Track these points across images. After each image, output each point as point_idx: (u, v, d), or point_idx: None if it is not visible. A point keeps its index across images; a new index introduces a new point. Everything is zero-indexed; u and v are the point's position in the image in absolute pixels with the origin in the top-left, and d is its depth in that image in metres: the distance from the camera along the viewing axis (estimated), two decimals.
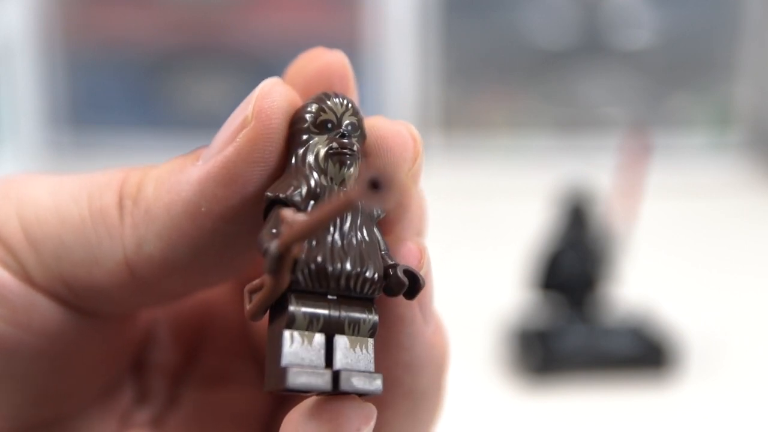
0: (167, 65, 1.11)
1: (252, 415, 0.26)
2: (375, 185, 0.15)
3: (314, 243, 0.20)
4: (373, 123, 0.22)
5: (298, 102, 0.22)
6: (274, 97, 0.21)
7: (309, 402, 0.20)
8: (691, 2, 1.13)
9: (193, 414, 0.26)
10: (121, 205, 0.22)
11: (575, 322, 0.64)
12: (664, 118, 1.14)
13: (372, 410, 0.20)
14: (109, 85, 1.11)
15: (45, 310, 0.22)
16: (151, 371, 0.26)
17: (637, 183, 0.66)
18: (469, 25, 1.13)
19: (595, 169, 0.84)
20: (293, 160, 0.21)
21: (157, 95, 1.11)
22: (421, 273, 0.21)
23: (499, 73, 1.15)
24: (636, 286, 0.70)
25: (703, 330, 0.68)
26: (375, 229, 0.21)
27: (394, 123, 0.22)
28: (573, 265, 0.64)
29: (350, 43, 1.10)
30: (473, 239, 0.91)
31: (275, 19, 1.09)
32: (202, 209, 0.21)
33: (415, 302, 0.22)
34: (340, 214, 0.18)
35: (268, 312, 0.20)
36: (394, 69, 1.10)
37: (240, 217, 0.21)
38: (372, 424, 0.20)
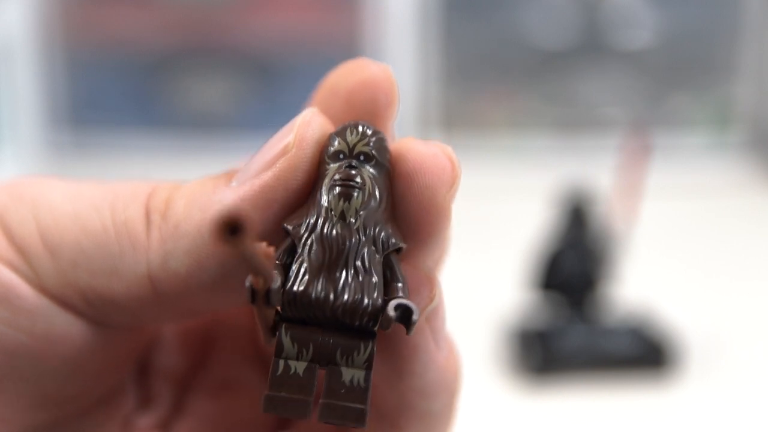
0: (167, 65, 1.11)
1: (259, 424, 0.26)
2: (231, 229, 0.16)
3: (305, 271, 0.20)
4: (407, 145, 0.22)
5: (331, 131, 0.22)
6: (314, 126, 0.21)
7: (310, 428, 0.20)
8: (691, 2, 1.13)
9: (200, 421, 0.25)
10: (148, 218, 0.22)
11: (575, 322, 0.64)
12: (664, 118, 1.14)
13: None
14: (109, 85, 1.11)
15: (52, 316, 0.22)
16: (156, 376, 0.26)
17: (637, 183, 0.66)
18: (469, 25, 1.13)
19: (595, 169, 0.84)
20: (313, 191, 0.21)
21: (157, 95, 1.11)
22: (432, 305, 0.21)
23: (499, 73, 1.15)
24: (636, 286, 0.70)
25: (703, 330, 0.68)
26: (386, 259, 0.21)
27: (429, 145, 0.22)
28: (573, 265, 0.64)
29: (350, 43, 1.10)
30: (473, 239, 0.91)
31: (275, 19, 1.09)
32: None
33: (427, 329, 0.22)
34: (242, 257, 0.18)
35: None
36: (394, 69, 1.10)
37: (271, 240, 0.21)
38: None
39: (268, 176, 0.21)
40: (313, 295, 0.20)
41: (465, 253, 0.89)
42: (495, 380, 0.63)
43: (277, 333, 0.20)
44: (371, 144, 0.21)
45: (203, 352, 0.26)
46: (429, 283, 0.22)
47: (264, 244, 0.19)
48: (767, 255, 0.89)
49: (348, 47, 1.09)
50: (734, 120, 1.15)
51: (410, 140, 0.22)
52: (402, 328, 0.20)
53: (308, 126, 0.21)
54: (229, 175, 0.22)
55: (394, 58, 1.10)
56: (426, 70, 1.12)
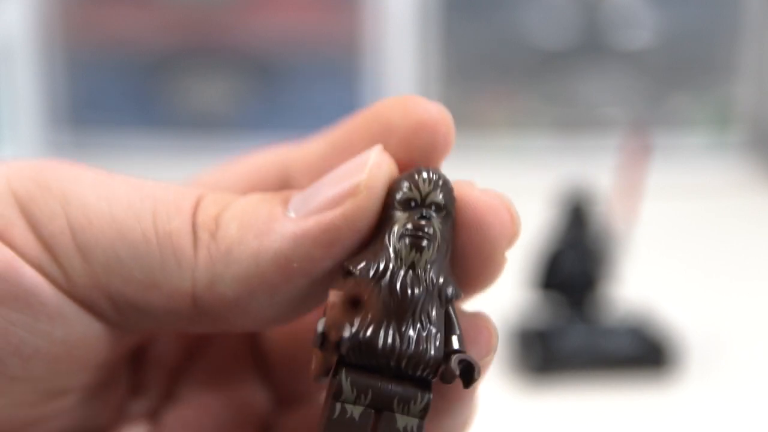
0: (167, 65, 1.11)
1: (251, 416, 0.26)
2: (351, 303, 0.17)
3: (371, 320, 0.20)
4: (466, 193, 0.21)
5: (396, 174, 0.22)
6: (384, 169, 0.21)
7: None
8: (691, 2, 1.13)
9: (191, 411, 0.25)
10: (195, 235, 0.21)
11: (575, 322, 0.64)
12: (664, 118, 1.14)
13: None
14: (109, 85, 1.11)
15: (74, 321, 0.21)
16: (149, 365, 0.25)
17: (637, 183, 0.66)
18: (469, 25, 1.13)
19: (595, 169, 0.84)
20: (378, 234, 0.21)
21: (157, 95, 1.11)
22: (490, 357, 0.21)
23: (499, 73, 1.15)
24: (636, 286, 0.70)
25: (703, 330, 0.68)
26: (448, 310, 0.21)
27: (488, 195, 0.21)
28: (573, 265, 0.64)
29: (350, 43, 1.10)
30: None
31: (275, 19, 1.09)
32: (294, 265, 0.20)
33: (473, 393, 0.22)
34: (341, 320, 0.18)
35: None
36: (394, 69, 1.10)
37: (328, 277, 0.21)
38: None
39: (334, 215, 0.21)
40: (380, 344, 0.20)
41: None
42: (495, 380, 0.63)
43: (338, 377, 0.20)
44: (443, 194, 0.21)
45: (198, 342, 0.26)
46: (488, 333, 0.22)
47: (338, 295, 0.19)
48: (767, 255, 0.89)
49: (348, 47, 1.09)
50: (734, 120, 1.15)
51: (470, 187, 0.22)
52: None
53: (380, 168, 0.21)
54: (284, 199, 0.21)
55: (394, 58, 1.10)
56: (426, 70, 1.12)
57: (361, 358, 0.20)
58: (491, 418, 0.60)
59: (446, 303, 0.21)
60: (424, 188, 0.21)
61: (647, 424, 0.59)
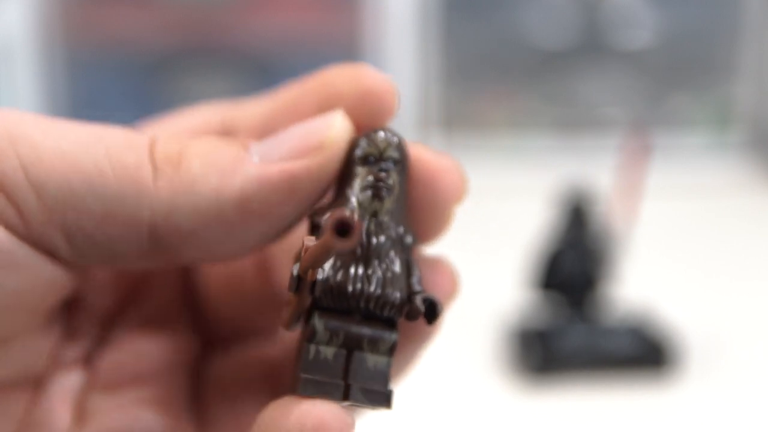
0: (167, 65, 1.11)
1: (182, 362, 0.26)
2: (341, 231, 0.17)
3: (340, 264, 0.21)
4: (420, 156, 0.23)
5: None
6: (347, 131, 0.22)
7: (291, 402, 0.21)
8: (691, 2, 1.13)
9: (125, 356, 0.25)
10: (156, 167, 0.21)
11: (575, 322, 0.64)
12: (664, 118, 1.14)
13: (352, 419, 0.21)
14: (109, 85, 1.11)
15: (28, 267, 0.21)
16: (83, 311, 0.25)
17: (637, 183, 0.66)
18: (469, 25, 1.13)
19: (595, 169, 0.84)
20: (340, 188, 0.23)
21: (157, 95, 1.11)
22: (452, 298, 0.23)
23: (499, 73, 1.15)
24: (636, 286, 0.70)
25: (703, 330, 0.68)
26: (407, 256, 0.22)
27: (440, 157, 0.23)
28: (573, 265, 0.64)
29: (350, 43, 1.10)
30: (473, 239, 0.91)
31: (275, 19, 1.09)
32: (254, 206, 0.22)
33: (437, 328, 0.24)
34: (322, 257, 0.19)
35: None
36: (394, 69, 1.10)
37: (281, 219, 0.22)
38: (352, 431, 0.21)
39: (298, 166, 0.22)
40: (350, 287, 0.21)
41: (465, 253, 0.89)
42: (495, 380, 0.63)
43: (312, 320, 0.21)
44: (398, 150, 0.23)
45: (133, 289, 0.26)
46: (450, 275, 0.24)
47: (312, 239, 0.21)
48: (767, 255, 0.89)
49: (348, 47, 1.09)
50: (734, 120, 1.15)
51: (424, 149, 0.23)
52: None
53: (345, 129, 0.22)
54: (244, 145, 0.22)
55: (394, 58, 1.10)
56: (426, 70, 1.12)
57: (333, 301, 0.21)
58: (491, 418, 0.60)
59: (406, 249, 0.22)
60: (382, 144, 0.23)
61: (647, 424, 0.59)
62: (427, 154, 0.23)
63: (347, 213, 0.17)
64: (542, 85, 1.15)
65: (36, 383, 0.25)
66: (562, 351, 0.63)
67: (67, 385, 0.25)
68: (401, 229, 0.22)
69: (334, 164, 0.22)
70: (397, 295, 0.22)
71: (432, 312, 0.22)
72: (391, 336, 0.22)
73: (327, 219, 0.19)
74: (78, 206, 0.21)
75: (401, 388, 0.62)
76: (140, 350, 0.26)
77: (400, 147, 0.23)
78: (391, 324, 0.22)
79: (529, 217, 0.79)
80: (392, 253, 0.22)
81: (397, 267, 0.22)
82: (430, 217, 0.23)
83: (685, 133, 1.14)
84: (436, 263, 0.24)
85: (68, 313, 0.25)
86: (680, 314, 0.69)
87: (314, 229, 0.22)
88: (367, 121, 0.23)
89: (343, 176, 0.23)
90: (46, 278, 0.22)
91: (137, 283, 0.26)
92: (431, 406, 0.61)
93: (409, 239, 0.23)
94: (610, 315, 0.65)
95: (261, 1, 1.10)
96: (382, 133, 0.23)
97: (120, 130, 0.22)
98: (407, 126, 1.11)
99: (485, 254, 0.86)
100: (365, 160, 0.22)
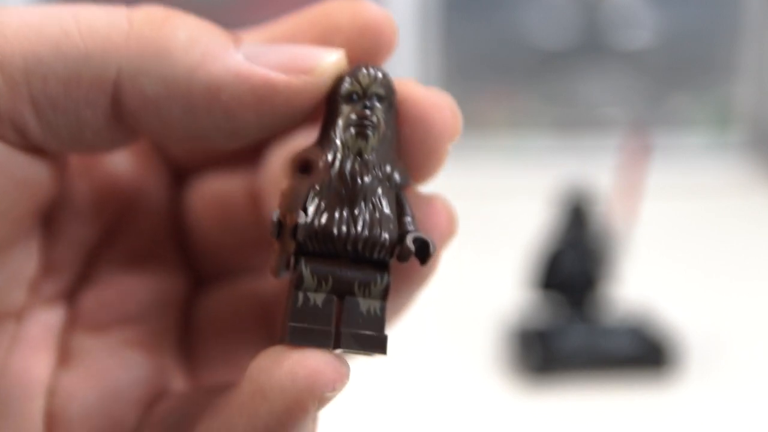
0: None
1: (170, 301, 0.26)
2: (303, 168, 0.16)
3: (325, 206, 0.21)
4: (408, 92, 0.22)
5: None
6: (340, 68, 0.22)
7: (282, 351, 0.20)
8: (691, 2, 1.13)
9: (108, 293, 0.25)
10: (132, 26, 0.21)
11: (575, 322, 0.64)
12: (664, 118, 1.14)
13: (347, 368, 0.20)
14: None
15: None
16: (63, 242, 0.24)
17: (637, 183, 0.66)
18: (470, 25, 1.13)
19: (595, 169, 0.84)
20: (324, 127, 0.22)
21: None
22: (450, 237, 0.22)
23: (499, 73, 1.15)
24: (636, 286, 0.70)
25: (703, 330, 0.68)
26: (398, 195, 0.22)
27: (431, 92, 0.22)
28: (573, 265, 0.64)
29: None
30: (473, 239, 0.91)
31: (275, 19, 1.09)
32: (222, 97, 0.21)
33: (432, 268, 0.22)
34: (296, 193, 0.19)
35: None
36: (394, 69, 1.10)
37: (242, 124, 0.21)
38: (347, 381, 0.20)
39: (279, 79, 0.21)
40: (335, 230, 0.20)
41: (465, 253, 0.89)
42: (495, 380, 0.63)
43: (298, 266, 0.20)
44: (383, 86, 0.22)
45: (117, 223, 0.25)
46: (447, 214, 0.23)
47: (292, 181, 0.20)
48: (767, 255, 0.89)
49: None
50: (734, 120, 1.15)
51: (415, 85, 0.22)
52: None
53: (337, 67, 0.22)
54: (235, 39, 0.22)
55: (394, 58, 1.10)
56: (426, 70, 1.12)
57: (319, 245, 0.20)
58: (491, 418, 0.60)
59: (395, 188, 0.22)
60: (365, 81, 0.22)
61: (647, 424, 0.59)
62: (418, 89, 0.22)
63: (307, 151, 0.16)
64: (542, 85, 1.15)
65: (17, 318, 0.24)
66: (562, 351, 0.63)
67: (48, 321, 0.24)
68: (389, 168, 0.21)
69: (314, 95, 0.21)
70: (386, 235, 0.21)
71: (424, 252, 0.21)
72: (383, 278, 0.21)
73: (289, 158, 0.18)
74: (43, 71, 0.20)
75: (400, 385, 0.62)
76: (126, 288, 0.25)
77: (386, 83, 0.22)
78: (382, 266, 0.21)
79: (529, 217, 0.79)
80: (380, 192, 0.21)
81: (385, 207, 0.21)
82: (422, 156, 0.22)
83: (685, 133, 1.14)
84: (431, 201, 0.23)
85: (48, 242, 0.24)
86: (680, 314, 0.69)
87: (295, 171, 0.22)
88: (365, 56, 0.23)
89: (328, 116, 0.22)
90: (18, 173, 0.21)
91: (121, 212, 0.25)
92: (431, 406, 0.61)
93: (397, 177, 0.22)
94: (610, 315, 0.65)
95: (261, 1, 1.10)
96: (365, 70, 0.22)
97: (95, 5, 0.21)
98: None
99: (485, 254, 0.86)
100: (349, 98, 0.22)
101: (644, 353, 0.63)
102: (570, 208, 0.66)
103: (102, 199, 0.25)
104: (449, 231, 0.23)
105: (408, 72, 1.11)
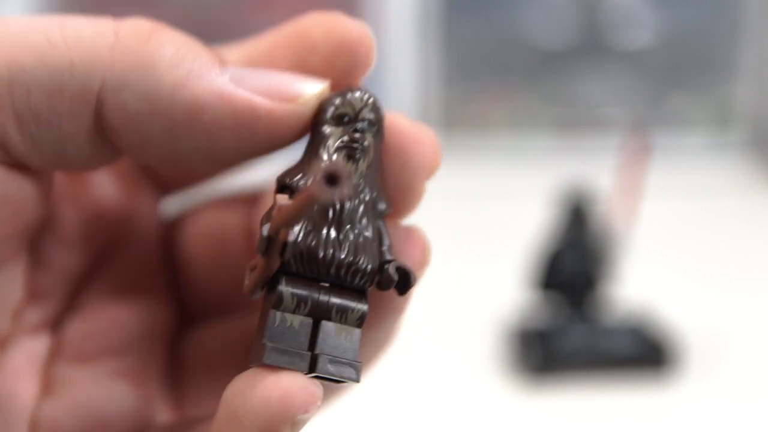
0: None
1: (158, 332, 0.25)
2: (331, 180, 0.16)
3: (311, 228, 0.20)
4: (394, 123, 0.22)
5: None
6: (321, 98, 0.22)
7: (255, 375, 0.20)
8: (691, 2, 1.13)
9: (94, 323, 0.24)
10: (118, 38, 0.21)
11: (575, 322, 0.64)
12: (664, 118, 1.14)
13: (319, 390, 0.20)
14: None
15: None
16: (50, 269, 0.24)
17: (637, 183, 0.66)
18: (469, 25, 1.13)
19: (595, 169, 0.84)
20: (310, 149, 0.22)
21: None
22: (424, 269, 0.22)
23: (499, 73, 1.15)
24: (636, 286, 0.70)
25: (703, 330, 0.68)
26: (379, 223, 0.21)
27: (415, 127, 0.22)
28: (573, 265, 0.64)
29: None
30: (473, 239, 0.91)
31: (275, 19, 1.09)
32: (204, 118, 0.21)
33: (409, 299, 0.22)
34: (307, 206, 0.18)
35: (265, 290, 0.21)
36: (394, 69, 1.10)
37: (220, 147, 0.21)
38: (319, 403, 0.20)
39: (263, 104, 0.21)
40: (321, 252, 0.20)
41: (465, 253, 0.89)
42: (495, 380, 0.63)
43: (278, 285, 0.20)
44: (374, 111, 0.22)
45: (105, 252, 0.25)
46: (421, 246, 0.23)
47: (285, 197, 0.20)
48: (767, 255, 0.89)
49: None
50: (734, 120, 1.15)
51: (400, 117, 0.22)
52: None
53: (320, 97, 0.22)
54: (222, 60, 0.21)
55: (394, 58, 1.10)
56: (426, 70, 1.12)
57: (302, 266, 0.20)
58: (491, 418, 0.60)
59: (378, 216, 0.22)
60: (357, 105, 0.22)
61: (647, 424, 0.59)
62: (402, 121, 0.22)
63: (338, 164, 0.16)
64: (542, 85, 1.15)
65: (0, 345, 0.23)
66: (562, 351, 0.63)
67: (32, 350, 0.24)
68: (374, 194, 0.21)
69: (295, 123, 0.21)
70: (369, 263, 0.21)
71: (405, 282, 0.21)
72: (360, 306, 0.21)
73: (317, 169, 0.18)
74: (27, 81, 0.20)
75: (400, 385, 0.62)
76: (113, 318, 0.25)
77: (376, 108, 0.22)
78: (361, 293, 0.21)
79: (529, 217, 0.79)
80: (365, 220, 0.21)
81: (369, 233, 0.21)
82: (400, 188, 0.22)
83: (685, 133, 1.14)
84: (407, 232, 0.23)
85: (34, 269, 0.24)
86: (680, 314, 0.69)
87: (282, 190, 0.21)
88: (343, 73, 0.22)
89: (315, 136, 0.22)
90: (0, 189, 0.21)
91: (110, 241, 0.25)
92: (431, 406, 0.61)
93: (382, 206, 0.22)
94: (610, 315, 0.65)
95: (261, 1, 1.10)
96: (358, 93, 0.22)
97: (74, 16, 0.21)
98: None
99: (485, 254, 0.86)
100: (339, 120, 0.22)
101: (644, 353, 0.63)
102: (570, 208, 0.66)
103: (90, 228, 0.25)
104: (424, 261, 0.23)
105: (408, 72, 1.11)
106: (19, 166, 0.21)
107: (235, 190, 0.26)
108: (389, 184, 0.22)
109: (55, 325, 0.24)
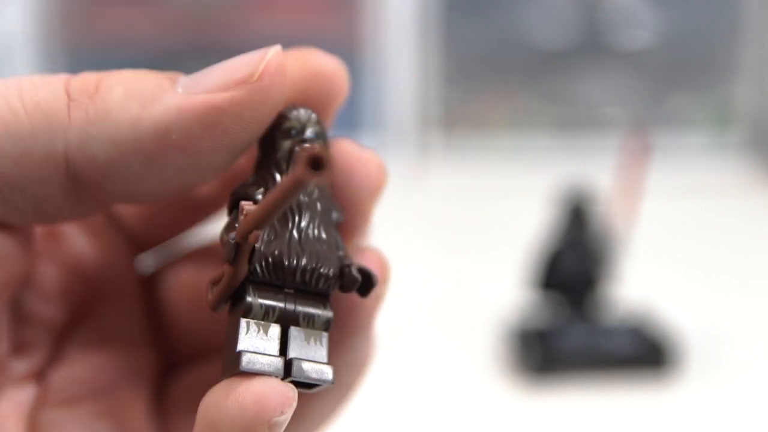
0: (168, 65, 1.10)
1: (142, 374, 0.26)
2: (314, 164, 0.16)
3: (273, 237, 0.21)
4: (342, 147, 0.23)
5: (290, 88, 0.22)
6: (283, 70, 0.21)
7: (229, 383, 0.20)
8: (691, 2, 1.13)
9: (78, 371, 0.25)
10: (70, 98, 0.21)
11: (575, 322, 0.64)
12: (664, 118, 1.14)
13: (294, 392, 0.20)
14: None
15: None
16: (32, 323, 0.25)
17: (637, 183, 0.66)
18: (469, 25, 1.13)
19: (595, 169, 0.84)
20: (261, 162, 0.22)
21: None
22: (387, 282, 0.22)
23: (499, 73, 1.15)
24: (636, 286, 0.70)
25: (703, 330, 0.68)
26: (333, 231, 0.22)
27: (362, 150, 0.23)
28: (573, 265, 0.64)
29: (350, 43, 1.10)
30: (473, 239, 0.91)
31: (275, 19, 1.09)
32: (172, 137, 0.21)
33: (374, 310, 0.23)
34: (287, 196, 0.18)
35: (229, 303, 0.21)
36: (394, 69, 1.10)
37: (203, 155, 0.21)
38: (294, 405, 0.20)
39: (222, 98, 0.21)
40: (286, 260, 0.21)
41: (465, 253, 0.89)
42: (495, 380, 0.63)
43: (245, 294, 0.21)
44: (317, 125, 0.23)
45: (86, 302, 0.26)
46: (382, 264, 0.23)
47: (249, 203, 0.20)
48: (767, 255, 0.89)
49: (348, 47, 1.09)
50: (734, 120, 1.15)
51: (345, 142, 0.23)
52: (355, 305, 0.22)
53: (278, 67, 0.21)
54: (171, 78, 0.22)
55: (394, 58, 1.10)
56: (426, 70, 1.12)
57: (268, 273, 0.21)
58: (491, 418, 0.60)
59: (333, 224, 0.22)
60: (303, 118, 0.22)
61: (647, 424, 0.59)
62: (350, 144, 0.23)
63: (316, 148, 0.17)
64: (542, 85, 1.15)
65: None
66: (562, 351, 0.63)
67: (18, 400, 0.24)
68: (330, 205, 0.22)
69: (265, 98, 0.21)
70: (330, 268, 0.21)
71: (367, 283, 0.22)
72: (326, 311, 0.21)
73: (300, 153, 0.19)
74: None
75: (400, 385, 0.62)
76: (96, 364, 0.25)
77: (320, 122, 0.23)
78: (325, 297, 0.22)
79: (529, 217, 0.79)
80: (321, 227, 0.22)
81: (326, 240, 0.22)
82: (346, 207, 0.23)
83: (685, 133, 1.14)
84: (363, 250, 0.23)
85: (16, 325, 0.24)
86: (680, 314, 0.69)
87: (234, 205, 0.22)
88: (318, 104, 0.23)
89: (267, 150, 0.22)
90: None
91: (89, 293, 0.26)
92: (431, 406, 0.61)
93: (334, 215, 0.22)
94: (610, 315, 0.65)
95: (261, 0, 1.10)
96: (301, 109, 0.22)
97: (36, 76, 0.22)
98: (407, 126, 1.11)
99: (485, 254, 0.86)
100: (287, 134, 0.22)
101: (644, 353, 0.63)
102: (570, 208, 0.66)
103: (69, 282, 0.25)
104: (384, 278, 0.23)
105: (408, 72, 1.11)
106: None
107: (209, 242, 0.27)
108: (338, 203, 0.23)
109: (40, 374, 0.25)
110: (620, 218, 0.66)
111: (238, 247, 0.20)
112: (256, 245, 0.20)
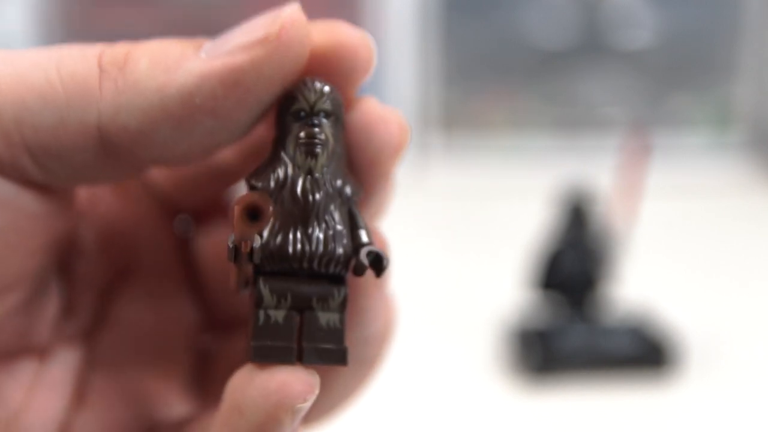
0: None
1: (186, 340, 0.26)
2: (251, 215, 0.17)
3: (278, 228, 0.21)
4: (363, 106, 0.23)
5: (312, 46, 0.22)
6: (302, 27, 0.22)
7: (254, 369, 0.21)
8: (691, 2, 1.13)
9: (124, 331, 0.26)
10: (101, 70, 0.21)
11: (575, 322, 0.64)
12: (664, 118, 1.14)
13: (316, 379, 0.20)
14: None
15: (4, 195, 0.22)
16: (78, 283, 0.25)
17: (637, 183, 0.66)
18: (469, 25, 1.13)
19: (595, 169, 0.84)
20: (277, 140, 0.22)
21: None
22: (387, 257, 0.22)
23: (499, 73, 1.15)
24: (636, 286, 0.70)
25: (703, 330, 0.68)
26: (349, 209, 0.22)
27: (383, 109, 0.23)
28: (573, 265, 0.64)
29: None
30: (473, 239, 0.91)
31: None
32: (196, 101, 0.21)
33: (382, 288, 0.23)
34: (240, 234, 0.19)
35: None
36: (394, 69, 1.10)
37: (229, 116, 0.22)
38: (317, 391, 0.20)
39: (242, 58, 0.21)
40: (290, 249, 0.21)
41: (465, 253, 0.89)
42: (495, 380, 0.63)
43: (256, 286, 0.21)
44: (330, 100, 0.22)
45: (125, 264, 0.26)
46: (381, 242, 0.23)
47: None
48: (767, 255, 0.89)
49: None
50: (734, 120, 1.15)
51: (367, 100, 0.23)
52: (361, 287, 0.22)
53: (296, 24, 0.22)
54: (195, 44, 0.22)
55: (394, 58, 1.10)
56: (426, 70, 1.12)
57: (275, 264, 0.21)
58: (491, 418, 0.60)
59: (347, 202, 0.22)
60: (311, 98, 0.22)
61: (647, 424, 0.59)
62: (370, 102, 0.23)
63: (256, 196, 0.17)
64: (542, 85, 1.15)
65: (39, 357, 0.24)
66: (562, 351, 0.63)
67: (69, 361, 0.25)
68: (339, 182, 0.22)
69: (286, 56, 0.21)
70: (340, 250, 0.21)
71: (378, 265, 0.22)
72: (340, 291, 0.21)
73: (235, 202, 0.19)
74: (33, 122, 0.21)
75: (400, 385, 0.62)
76: (140, 327, 0.26)
77: (332, 97, 0.22)
78: (339, 279, 0.22)
79: (529, 217, 0.79)
80: (332, 209, 0.22)
81: (338, 223, 0.21)
82: (365, 168, 0.23)
83: (685, 133, 1.14)
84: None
85: (65, 284, 0.25)
86: (680, 314, 0.69)
87: (250, 190, 0.22)
88: (343, 76, 0.23)
89: (278, 133, 0.22)
90: (28, 208, 0.22)
91: (127, 255, 0.26)
92: (431, 406, 0.61)
93: (348, 191, 0.22)
94: (610, 315, 0.65)
95: (261, 1, 1.10)
96: (311, 84, 0.22)
97: (76, 46, 0.22)
98: None
99: (485, 254, 0.86)
100: (297, 116, 0.22)
101: (644, 353, 0.63)
102: (570, 208, 0.66)
103: (110, 243, 0.26)
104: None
105: (408, 72, 1.11)
106: (40, 186, 0.22)
107: None
108: (355, 166, 0.23)
109: (88, 335, 0.25)
110: (620, 218, 0.66)
111: (236, 248, 0.21)
112: (254, 245, 0.21)
